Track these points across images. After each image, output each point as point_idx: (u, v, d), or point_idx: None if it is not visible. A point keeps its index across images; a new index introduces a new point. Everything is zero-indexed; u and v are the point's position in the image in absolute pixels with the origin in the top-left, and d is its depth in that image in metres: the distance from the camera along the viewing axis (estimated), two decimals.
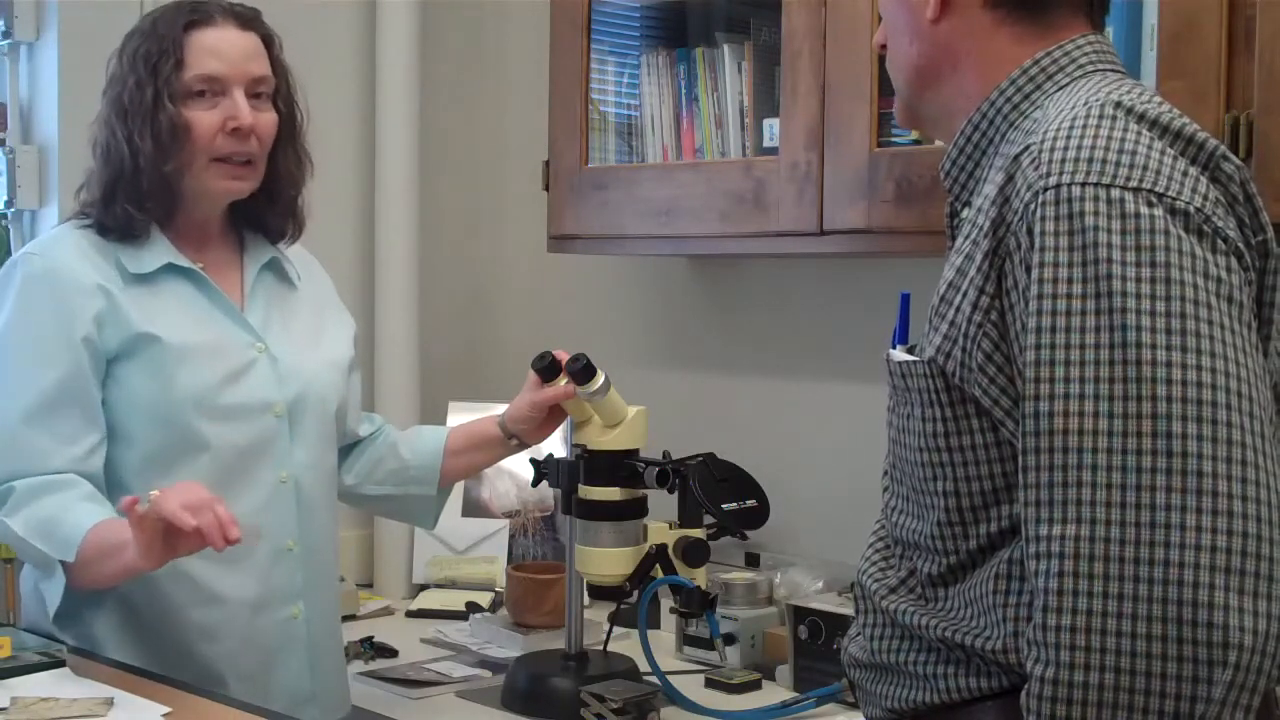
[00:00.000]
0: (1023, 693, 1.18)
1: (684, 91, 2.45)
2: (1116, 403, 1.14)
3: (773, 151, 2.23)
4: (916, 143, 2.05)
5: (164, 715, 1.62)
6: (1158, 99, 1.29)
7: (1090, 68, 1.34)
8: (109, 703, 1.64)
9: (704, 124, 2.41)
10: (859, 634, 1.43)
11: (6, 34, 2.63)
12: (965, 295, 1.26)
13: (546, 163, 2.54)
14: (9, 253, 2.60)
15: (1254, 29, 1.67)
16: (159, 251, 1.88)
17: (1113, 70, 1.35)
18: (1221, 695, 1.10)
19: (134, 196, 1.86)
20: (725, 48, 2.38)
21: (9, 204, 2.63)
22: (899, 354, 1.36)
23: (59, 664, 1.77)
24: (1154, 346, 1.14)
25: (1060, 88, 1.33)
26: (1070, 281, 1.17)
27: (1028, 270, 1.20)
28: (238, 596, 1.87)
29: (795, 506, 2.39)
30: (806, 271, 2.53)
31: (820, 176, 2.12)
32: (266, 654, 1.90)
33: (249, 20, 1.90)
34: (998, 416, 1.25)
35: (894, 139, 2.08)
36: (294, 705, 1.88)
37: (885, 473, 1.43)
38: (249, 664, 1.88)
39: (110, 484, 1.84)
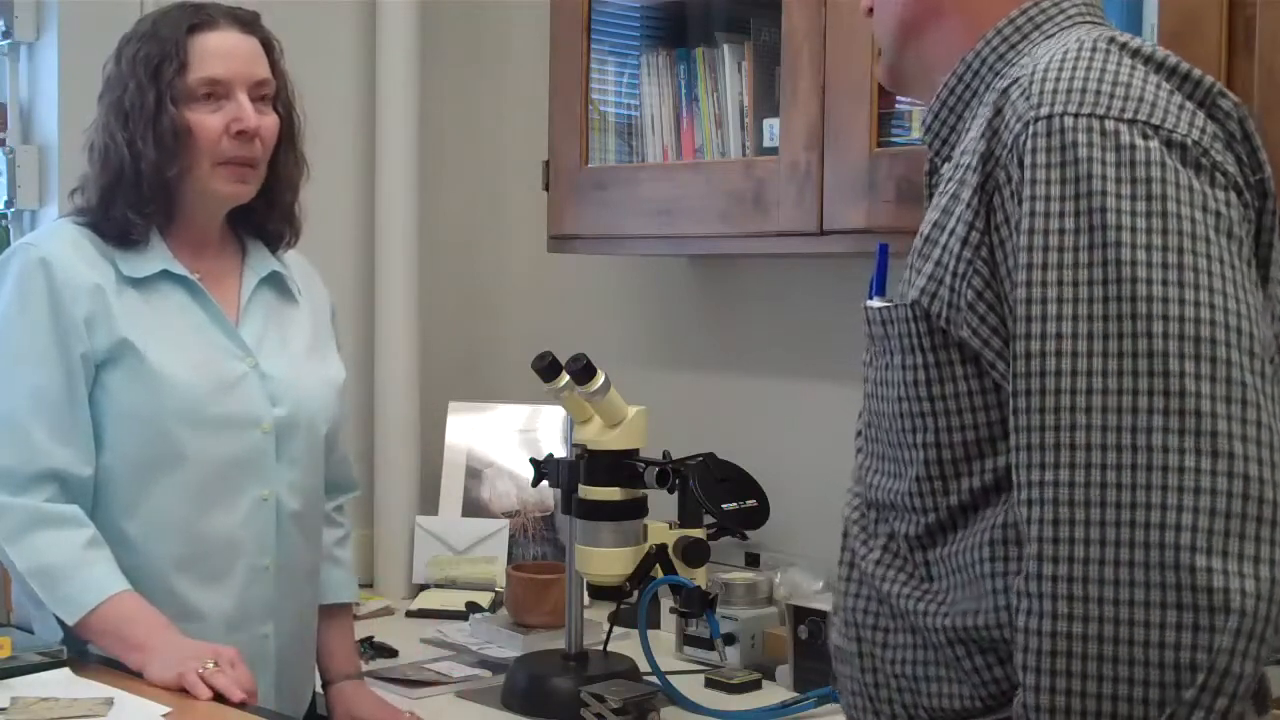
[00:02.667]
0: (1016, 648, 1.13)
1: (684, 91, 2.45)
2: (1111, 340, 1.10)
3: (773, 151, 2.23)
4: (917, 143, 2.05)
5: (164, 715, 1.62)
6: (1152, 43, 1.25)
7: (1079, 18, 1.31)
8: (109, 703, 1.64)
9: (704, 124, 2.41)
10: (842, 617, 1.35)
11: (6, 34, 2.63)
12: (953, 233, 1.21)
13: (546, 163, 2.54)
14: None
15: (1254, 29, 1.67)
16: (156, 257, 1.87)
17: (1100, 23, 1.32)
18: (1230, 644, 1.06)
19: (134, 201, 1.84)
20: (725, 48, 2.38)
21: (9, 204, 2.63)
22: (878, 302, 1.31)
23: (59, 664, 1.77)
24: (1150, 281, 1.09)
25: (1048, 37, 1.29)
26: (1062, 215, 1.12)
27: (1019, 204, 1.15)
28: (215, 613, 1.86)
29: (795, 506, 2.39)
30: (806, 271, 2.53)
31: (820, 176, 2.12)
32: (250, 665, 1.88)
33: (250, 24, 1.89)
34: (988, 359, 1.19)
35: (894, 139, 2.08)
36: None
37: (859, 433, 1.37)
38: None
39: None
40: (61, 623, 1.78)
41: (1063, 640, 1.10)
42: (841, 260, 2.42)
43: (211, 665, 1.70)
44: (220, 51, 1.85)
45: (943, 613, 1.25)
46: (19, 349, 1.81)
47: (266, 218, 1.98)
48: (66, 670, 1.76)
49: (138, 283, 1.85)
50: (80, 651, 1.81)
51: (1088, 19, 1.31)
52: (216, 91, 1.84)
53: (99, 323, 1.81)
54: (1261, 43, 1.66)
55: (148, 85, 1.82)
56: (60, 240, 1.86)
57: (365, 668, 2.32)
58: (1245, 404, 1.08)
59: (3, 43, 2.65)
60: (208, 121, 1.84)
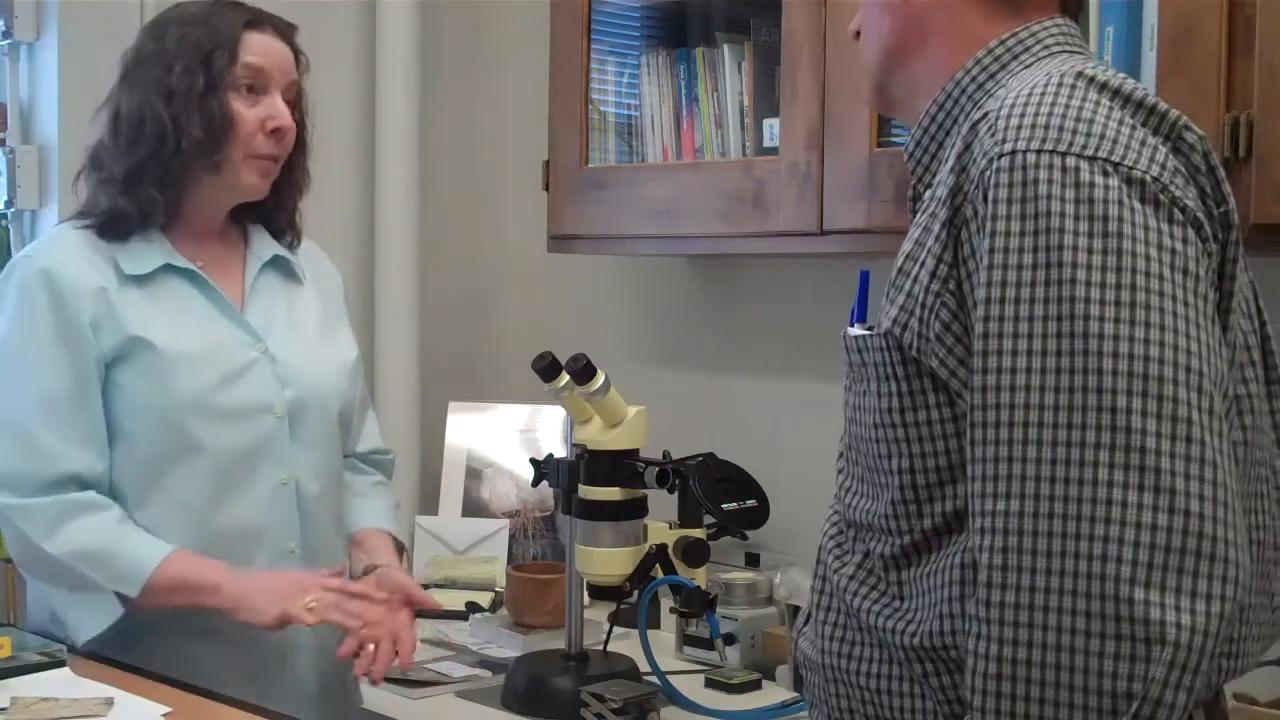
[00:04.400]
0: (966, 670, 1.17)
1: (684, 91, 2.45)
2: (1063, 376, 1.13)
3: (773, 151, 2.23)
4: None
5: (164, 715, 1.62)
6: (1123, 75, 1.27)
7: (1056, 49, 1.33)
8: (109, 703, 1.64)
9: (704, 124, 2.41)
10: (810, 627, 1.39)
11: (6, 34, 2.63)
12: (923, 265, 1.24)
13: (546, 163, 2.54)
14: (9, 253, 2.60)
15: (1254, 29, 1.67)
16: (156, 251, 1.88)
17: (1079, 53, 1.34)
18: (1163, 675, 1.09)
19: (160, 178, 1.85)
20: (725, 48, 2.38)
21: (9, 204, 2.63)
22: (856, 330, 1.34)
23: (59, 664, 1.77)
24: (1102, 319, 1.12)
25: (1026, 67, 1.31)
26: (1021, 251, 1.15)
27: (982, 238, 1.18)
28: None
29: (795, 506, 2.39)
30: (806, 271, 2.53)
31: (820, 176, 2.12)
32: (269, 657, 1.89)
33: (288, 34, 1.93)
34: (955, 388, 1.22)
35: (894, 139, 2.08)
36: (300, 708, 1.87)
37: (840, 454, 1.40)
38: (251, 666, 1.87)
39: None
40: (122, 601, 1.80)
41: (1008, 665, 1.14)
42: (841, 260, 2.42)
43: (310, 601, 1.77)
44: (265, 50, 1.88)
45: (910, 631, 1.28)
46: (26, 358, 1.83)
47: (274, 219, 2.00)
48: (66, 670, 1.76)
49: (140, 279, 1.86)
50: (81, 650, 1.81)
51: (1065, 49, 1.33)
52: (256, 84, 1.87)
53: (104, 324, 1.82)
54: (1261, 43, 1.66)
55: (196, 69, 1.84)
56: (59, 247, 1.86)
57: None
58: (1190, 441, 1.11)
59: (3, 43, 2.66)
60: (248, 114, 1.86)
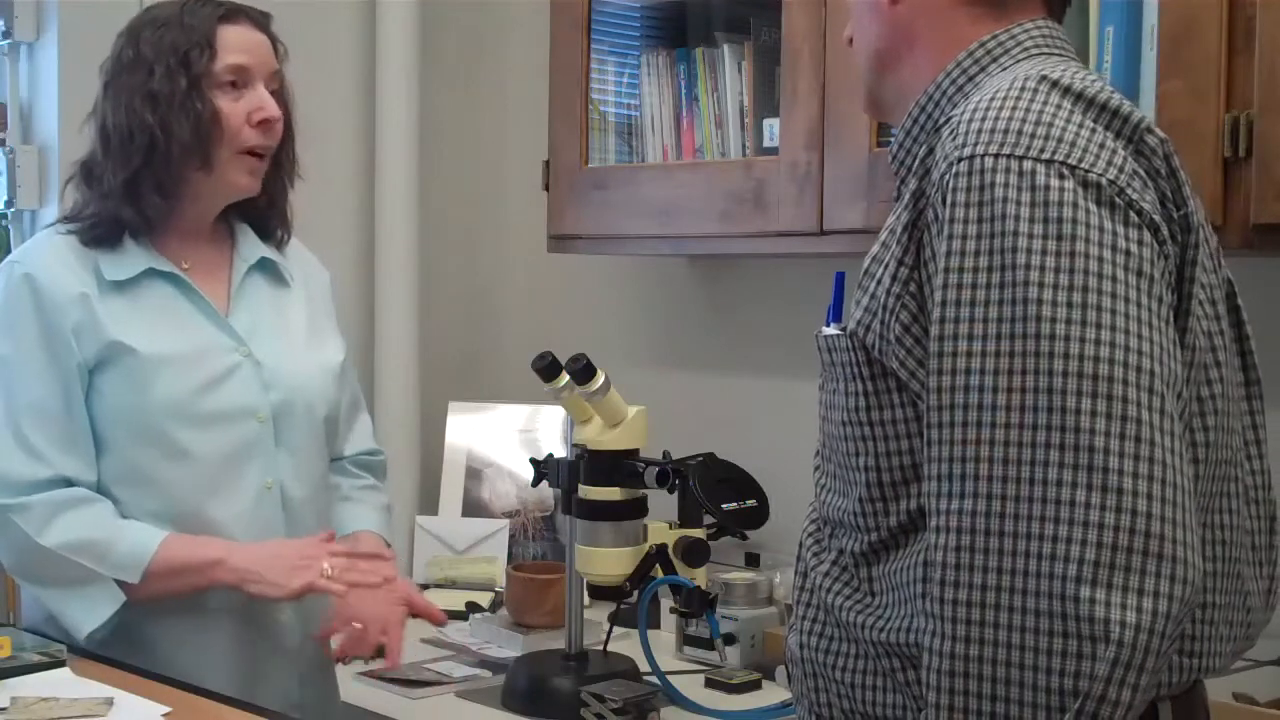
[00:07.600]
0: (922, 666, 1.18)
1: (684, 91, 2.45)
2: (1015, 377, 1.14)
3: (773, 151, 2.23)
4: None
5: (164, 715, 1.62)
6: (1092, 77, 1.27)
7: (1035, 50, 1.33)
8: (109, 703, 1.64)
9: (704, 124, 2.41)
10: (794, 624, 1.41)
11: (6, 34, 2.63)
12: (886, 267, 1.26)
13: (546, 163, 2.54)
14: (9, 252, 2.60)
15: (1254, 29, 1.67)
16: (140, 256, 1.87)
17: (1058, 54, 1.34)
18: (1106, 673, 1.10)
19: (160, 185, 1.84)
20: (725, 48, 2.38)
21: (9, 204, 2.63)
22: (828, 330, 1.35)
23: (59, 664, 1.77)
24: (1054, 320, 1.13)
25: (1004, 69, 1.31)
26: (977, 254, 1.16)
27: (941, 241, 1.19)
28: (224, 605, 1.86)
29: (795, 506, 2.39)
30: (806, 271, 2.53)
31: (820, 176, 2.12)
32: (253, 662, 1.89)
33: (263, 24, 1.92)
34: (915, 389, 1.24)
35: (893, 139, 2.08)
36: (284, 706, 1.87)
37: (817, 452, 1.42)
38: (235, 671, 1.87)
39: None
40: (122, 591, 1.80)
41: (960, 661, 1.15)
42: (841, 260, 2.42)
43: (328, 568, 1.77)
44: (243, 44, 1.87)
45: (879, 627, 1.29)
46: (12, 366, 1.83)
47: (267, 215, 1.99)
48: (66, 670, 1.76)
49: (122, 285, 1.85)
50: (81, 650, 1.81)
51: (1044, 50, 1.33)
52: (240, 80, 1.86)
53: (86, 331, 1.82)
54: (1261, 43, 1.66)
55: (178, 71, 1.83)
56: (43, 252, 1.86)
57: (365, 668, 2.31)
58: (1140, 440, 1.12)
59: (3, 43, 2.66)
60: (233, 109, 1.85)
